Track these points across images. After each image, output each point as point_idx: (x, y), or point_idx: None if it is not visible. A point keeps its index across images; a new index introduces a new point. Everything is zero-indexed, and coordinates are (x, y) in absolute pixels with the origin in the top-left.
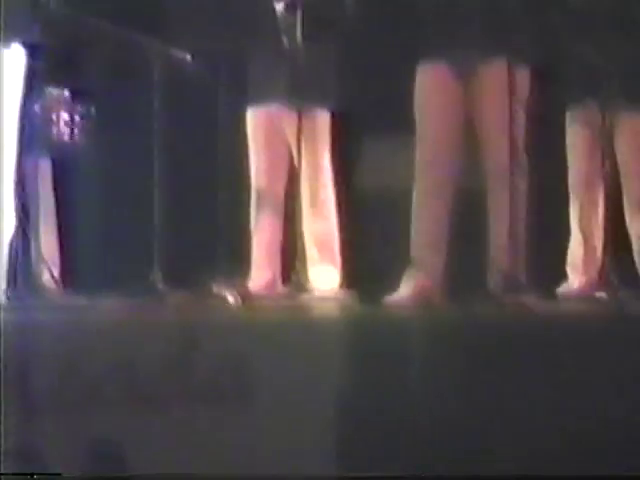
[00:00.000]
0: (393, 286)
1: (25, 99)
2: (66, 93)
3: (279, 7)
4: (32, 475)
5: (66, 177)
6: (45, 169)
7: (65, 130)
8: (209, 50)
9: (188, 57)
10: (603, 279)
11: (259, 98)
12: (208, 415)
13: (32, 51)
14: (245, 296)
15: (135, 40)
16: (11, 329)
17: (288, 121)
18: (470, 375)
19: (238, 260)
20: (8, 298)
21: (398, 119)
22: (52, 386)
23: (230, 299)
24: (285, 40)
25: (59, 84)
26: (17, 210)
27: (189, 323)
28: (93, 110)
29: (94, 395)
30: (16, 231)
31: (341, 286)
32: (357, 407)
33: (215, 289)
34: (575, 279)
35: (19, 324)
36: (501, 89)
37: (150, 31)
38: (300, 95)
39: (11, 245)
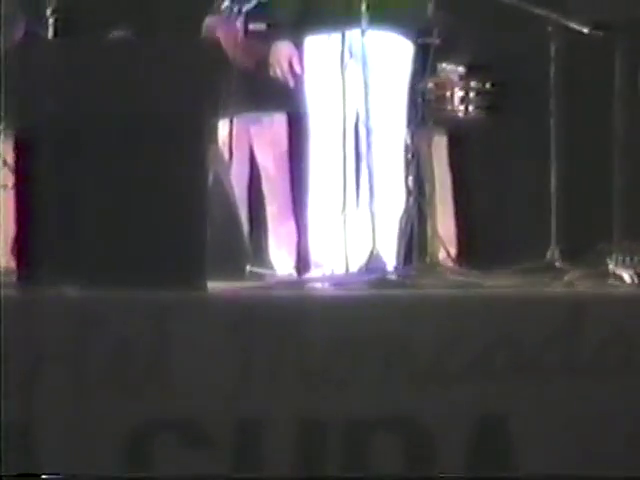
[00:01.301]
0: None
1: (417, 76)
2: (460, 69)
3: None
4: (34, 476)
5: (461, 153)
6: (441, 144)
7: (460, 106)
8: (607, 21)
9: (585, 30)
10: None
11: None
12: (592, 388)
13: None
14: None
15: (533, 13)
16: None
17: None
18: None
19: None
20: (399, 275)
21: None
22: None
23: (626, 278)
24: None
25: (453, 61)
26: (412, 187)
27: (581, 299)
28: (488, 85)
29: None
30: (410, 208)
31: None
32: None
33: (611, 267)
34: None
35: (421, 300)
36: None
37: (550, 3)
38: None
39: (403, 222)
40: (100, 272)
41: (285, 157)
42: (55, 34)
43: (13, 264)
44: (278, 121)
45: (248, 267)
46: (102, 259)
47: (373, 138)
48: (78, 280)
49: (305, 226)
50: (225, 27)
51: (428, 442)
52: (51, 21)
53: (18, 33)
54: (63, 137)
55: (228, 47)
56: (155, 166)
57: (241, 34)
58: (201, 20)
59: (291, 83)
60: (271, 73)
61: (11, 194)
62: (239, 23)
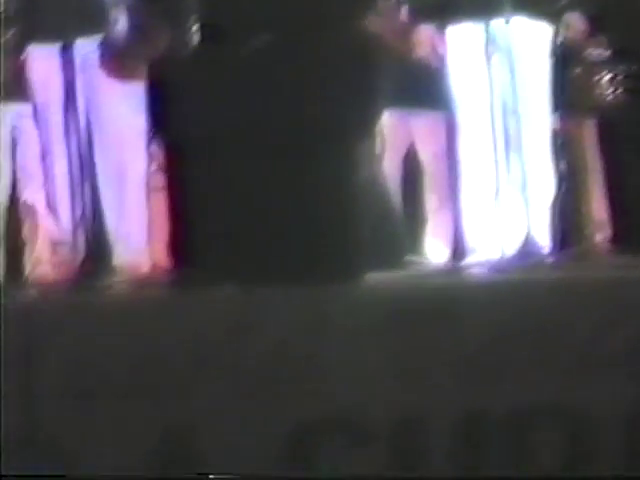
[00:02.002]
0: None
1: (564, 61)
2: (607, 53)
3: None
4: (35, 477)
5: (611, 137)
6: (590, 128)
7: (607, 90)
8: None
9: None
10: None
11: None
12: None
13: None
14: None
15: None
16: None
17: None
18: None
19: None
20: (554, 259)
21: None
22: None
23: None
24: None
25: (600, 44)
26: (563, 172)
27: None
28: (635, 68)
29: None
30: (562, 193)
31: None
32: None
33: None
34: None
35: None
36: None
37: None
38: None
39: (556, 207)
40: (258, 270)
41: (444, 151)
42: (202, 41)
43: (167, 265)
44: (437, 116)
45: (406, 257)
46: (259, 257)
47: (522, 125)
48: (236, 279)
49: (460, 214)
50: (385, 20)
51: (592, 430)
52: (196, 28)
53: (164, 42)
54: (217, 139)
55: (388, 40)
56: (311, 163)
57: (400, 25)
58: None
59: (435, 64)
60: (414, 55)
61: (164, 196)
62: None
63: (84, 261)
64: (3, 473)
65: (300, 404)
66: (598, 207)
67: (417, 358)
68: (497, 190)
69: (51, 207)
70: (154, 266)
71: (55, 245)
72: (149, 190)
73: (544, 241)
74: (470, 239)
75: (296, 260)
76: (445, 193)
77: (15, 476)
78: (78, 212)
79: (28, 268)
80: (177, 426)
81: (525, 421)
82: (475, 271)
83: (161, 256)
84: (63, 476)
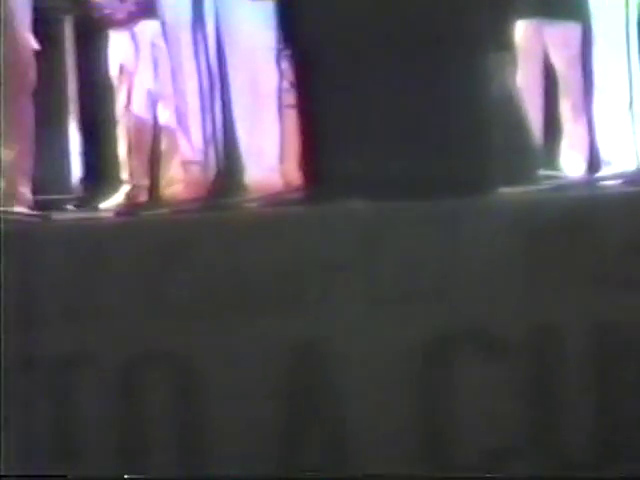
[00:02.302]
0: None
1: None
2: None
3: None
4: (35, 477)
5: None
6: None
7: None
8: None
9: None
10: None
11: None
12: None
13: None
14: None
15: None
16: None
17: None
18: None
19: None
20: None
21: None
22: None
23: None
24: None
25: None
26: None
27: None
28: None
29: None
30: None
31: None
32: None
33: None
34: None
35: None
36: None
37: None
38: None
39: None
40: (387, 184)
41: (578, 59)
42: None
43: (299, 182)
44: (571, 25)
45: (540, 171)
46: (388, 170)
47: None
48: (366, 194)
49: (595, 125)
50: None
51: None
52: None
53: None
54: (348, 55)
55: None
56: (445, 74)
57: None
58: None
59: None
60: None
61: (295, 113)
62: None
63: (216, 179)
64: (3, 473)
65: (432, 319)
66: None
67: (552, 272)
68: (631, 100)
69: (183, 126)
70: (286, 183)
71: (188, 164)
72: (280, 107)
73: None
74: (605, 151)
75: (426, 174)
76: (580, 103)
77: (15, 476)
78: (210, 130)
79: (163, 186)
80: (311, 342)
81: None
82: (611, 184)
83: (292, 173)
84: (63, 476)
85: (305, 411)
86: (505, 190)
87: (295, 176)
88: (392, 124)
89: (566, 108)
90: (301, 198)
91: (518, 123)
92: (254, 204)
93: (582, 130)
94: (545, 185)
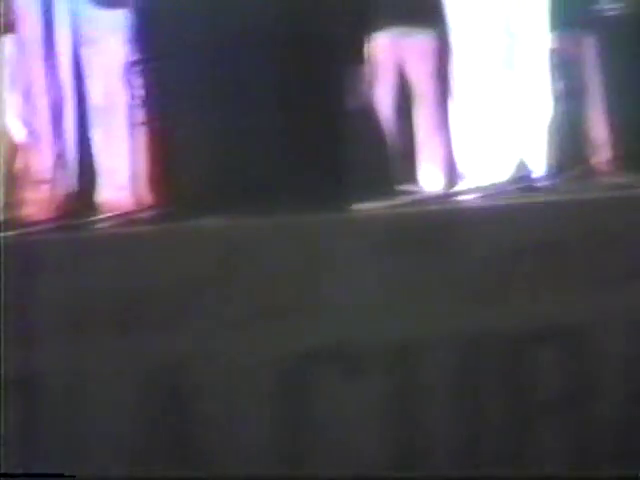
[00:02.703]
0: None
1: None
2: None
3: None
4: (35, 476)
5: (612, 55)
6: (589, 46)
7: (608, 6)
8: None
9: None
10: None
11: None
12: None
13: None
14: None
15: None
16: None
17: None
18: None
19: None
20: (550, 182)
21: None
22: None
23: None
24: None
25: None
26: (561, 91)
27: None
28: None
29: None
30: (559, 113)
31: None
32: None
33: None
34: None
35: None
36: None
37: None
38: None
39: (553, 128)
40: (242, 199)
41: (435, 72)
42: None
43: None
44: (428, 36)
45: (397, 185)
46: (244, 186)
47: (518, 45)
48: (221, 210)
49: (452, 139)
50: None
51: (588, 351)
52: None
53: None
54: (197, 71)
55: None
56: (300, 88)
57: None
58: None
59: None
60: None
61: (148, 130)
62: None
63: (67, 199)
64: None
65: (292, 336)
66: (597, 128)
67: (411, 285)
68: (492, 113)
69: (35, 144)
70: (139, 202)
71: (39, 183)
72: (132, 124)
73: (541, 164)
74: (464, 164)
75: (283, 189)
76: (437, 117)
77: (15, 476)
78: (62, 148)
79: (15, 207)
80: (166, 361)
81: (523, 342)
82: (469, 197)
83: (145, 191)
84: (63, 475)
85: (162, 429)
86: (362, 205)
87: (149, 195)
88: (247, 139)
89: (423, 122)
90: (155, 217)
91: (374, 137)
92: (107, 224)
93: (439, 144)
94: (402, 200)
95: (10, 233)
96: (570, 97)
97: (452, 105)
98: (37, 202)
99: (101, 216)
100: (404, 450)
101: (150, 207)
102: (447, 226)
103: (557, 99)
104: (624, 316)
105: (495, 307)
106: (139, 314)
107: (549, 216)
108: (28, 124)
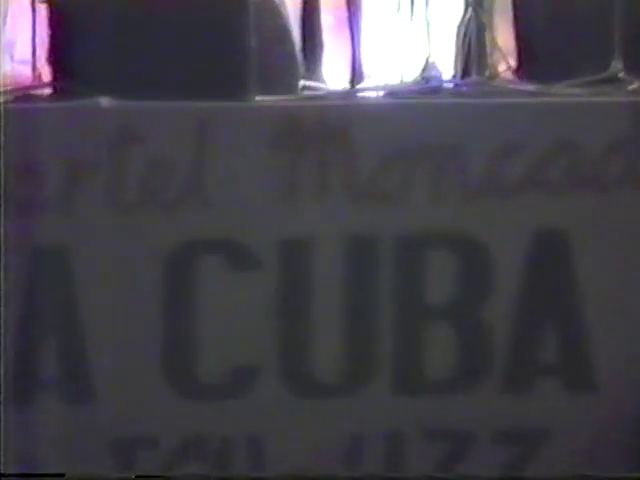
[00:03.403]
0: None
1: None
2: None
3: None
4: (35, 476)
5: None
6: None
7: None
8: None
9: None
10: None
11: None
12: None
13: None
14: None
15: None
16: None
17: None
18: None
19: None
20: (455, 85)
21: None
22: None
23: None
24: None
25: None
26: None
27: None
28: None
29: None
30: (468, 18)
31: None
32: None
33: None
34: None
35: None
36: None
37: None
38: None
39: (461, 33)
40: (139, 83)
41: None
42: None
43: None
44: None
45: (301, 82)
46: (141, 70)
47: None
48: (115, 92)
49: (359, 37)
50: None
51: (483, 257)
52: None
53: None
54: None
55: None
56: None
57: None
58: None
59: None
60: None
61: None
62: None
63: None
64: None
65: (180, 226)
66: (505, 35)
67: (307, 182)
68: (399, 11)
69: None
70: (36, 78)
71: None
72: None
73: (447, 68)
74: (368, 64)
75: (181, 76)
76: (343, 14)
77: (15, 475)
78: None
79: None
80: (54, 247)
81: (417, 246)
82: (373, 95)
83: (43, 67)
84: (63, 475)
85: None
86: (262, 98)
87: (46, 70)
88: (147, 23)
89: (329, 19)
90: (51, 93)
91: (280, 30)
92: (3, 98)
93: (344, 42)
94: (303, 94)
95: None
96: (479, 2)
97: (360, 3)
98: None
99: None
100: (289, 342)
101: (48, 83)
102: (348, 122)
103: (467, 3)
104: (519, 225)
105: (393, 209)
106: (28, 195)
107: (453, 118)
108: None
